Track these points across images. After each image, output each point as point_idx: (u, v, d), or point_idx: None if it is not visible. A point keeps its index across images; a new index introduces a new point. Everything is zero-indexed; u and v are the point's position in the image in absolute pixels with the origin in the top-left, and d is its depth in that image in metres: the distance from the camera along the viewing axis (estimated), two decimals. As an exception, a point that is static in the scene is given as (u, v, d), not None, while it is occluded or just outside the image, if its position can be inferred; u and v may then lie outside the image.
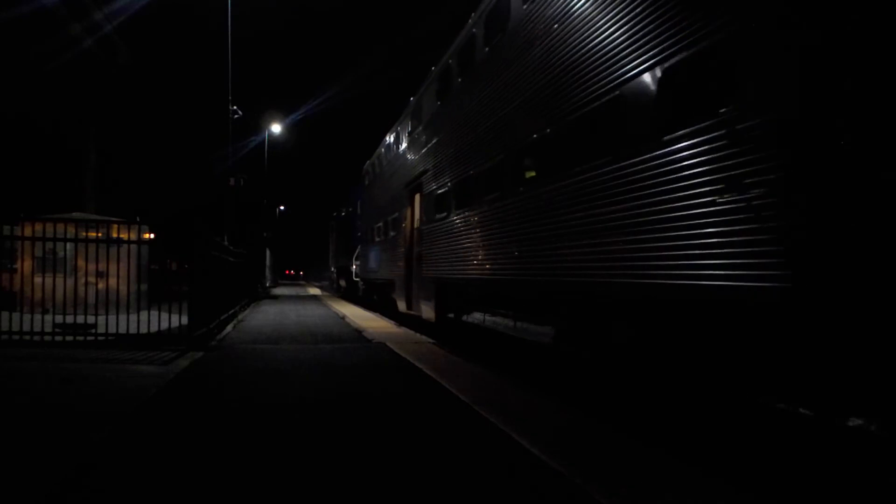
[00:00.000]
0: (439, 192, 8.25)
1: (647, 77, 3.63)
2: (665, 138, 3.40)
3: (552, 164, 4.90)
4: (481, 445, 2.63)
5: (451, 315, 8.00)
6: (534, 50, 5.29)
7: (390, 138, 12.67)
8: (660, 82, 3.50)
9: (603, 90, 4.12)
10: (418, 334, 7.61)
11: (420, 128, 9.83)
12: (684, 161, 3.24)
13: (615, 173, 3.93)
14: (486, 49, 6.54)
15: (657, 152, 3.47)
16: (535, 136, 5.23)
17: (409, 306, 10.30)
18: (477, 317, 7.05)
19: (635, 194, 3.68)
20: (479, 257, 6.53)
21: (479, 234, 6.58)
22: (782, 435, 2.90)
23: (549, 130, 4.97)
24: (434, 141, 8.74)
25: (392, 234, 11.74)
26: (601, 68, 4.16)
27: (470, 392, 3.75)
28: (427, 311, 8.86)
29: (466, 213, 7.00)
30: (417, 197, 9.87)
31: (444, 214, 7.93)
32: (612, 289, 3.95)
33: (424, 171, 9.16)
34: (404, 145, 11.18)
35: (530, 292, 5.40)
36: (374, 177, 14.81)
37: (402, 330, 8.14)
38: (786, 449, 2.90)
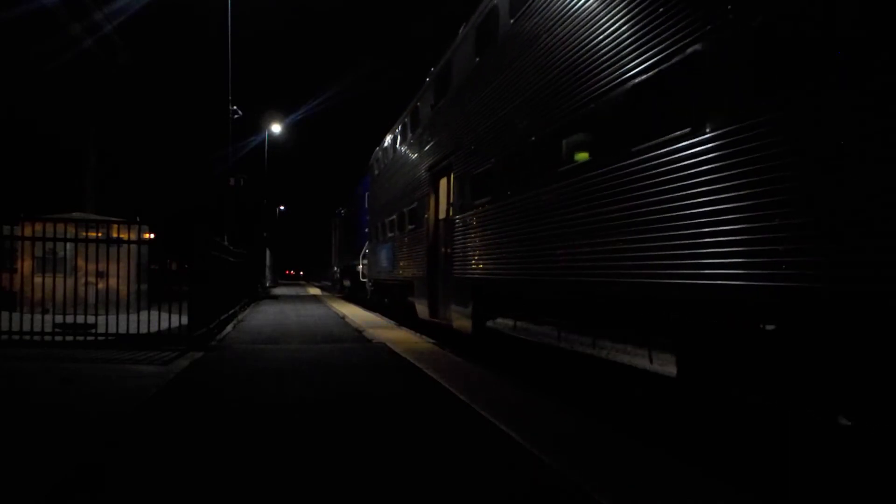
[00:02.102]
0: (478, 171, 6.67)
1: None
2: None
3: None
4: (481, 445, 2.63)
5: (494, 326, 6.58)
6: None
7: (406, 118, 11.05)
8: None
9: None
10: (418, 335, 7.61)
11: (449, 97, 8.10)
12: None
13: None
14: None
15: None
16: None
17: (432, 313, 8.74)
18: (543, 332, 5.52)
19: None
20: (550, 252, 4.90)
21: (548, 221, 4.92)
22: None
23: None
24: (471, 109, 7.03)
25: (410, 227, 10.27)
26: None
27: (470, 392, 3.75)
28: (460, 320, 7.26)
29: (535, 192, 5.22)
30: (444, 182, 8.30)
31: (488, 199, 6.35)
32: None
33: (456, 149, 7.51)
34: (426, 123, 9.49)
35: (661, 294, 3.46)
36: (386, 165, 12.96)
37: (403, 330, 8.15)
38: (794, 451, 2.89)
